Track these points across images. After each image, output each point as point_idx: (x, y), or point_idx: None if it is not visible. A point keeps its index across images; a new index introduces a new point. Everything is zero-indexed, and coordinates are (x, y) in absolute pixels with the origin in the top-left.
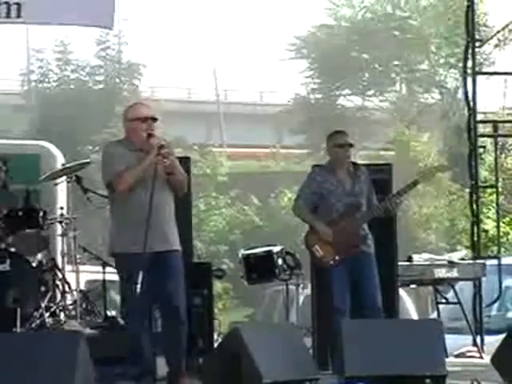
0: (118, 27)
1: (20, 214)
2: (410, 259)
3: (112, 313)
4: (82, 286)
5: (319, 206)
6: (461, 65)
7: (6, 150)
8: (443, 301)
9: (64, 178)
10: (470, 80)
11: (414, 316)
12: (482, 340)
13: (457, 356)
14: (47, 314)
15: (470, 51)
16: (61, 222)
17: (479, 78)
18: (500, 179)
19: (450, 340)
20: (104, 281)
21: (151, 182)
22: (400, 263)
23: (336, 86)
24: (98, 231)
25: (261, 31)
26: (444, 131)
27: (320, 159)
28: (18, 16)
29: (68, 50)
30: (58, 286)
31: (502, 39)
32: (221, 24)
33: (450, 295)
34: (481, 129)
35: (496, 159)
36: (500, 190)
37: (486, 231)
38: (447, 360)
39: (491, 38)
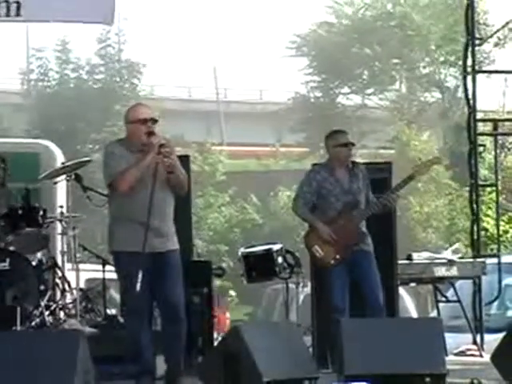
0: (118, 26)
1: (20, 212)
2: (409, 258)
3: (112, 311)
4: (82, 285)
5: (318, 205)
6: (461, 63)
7: (6, 149)
8: (443, 299)
9: (64, 176)
10: (469, 78)
11: (414, 314)
12: (482, 338)
13: (457, 354)
14: (47, 313)
15: (469, 50)
16: (60, 221)
17: (479, 76)
18: (500, 178)
19: (450, 338)
20: (104, 279)
21: (152, 181)
22: (400, 262)
23: (336, 84)
24: (98, 230)
25: (261, 30)
26: (444, 130)
27: (320, 157)
28: (18, 14)
29: (68, 49)
30: (57, 284)
31: (502, 38)
32: (221, 23)
33: (450, 293)
34: (481, 127)
35: (496, 158)
36: (500, 188)
37: (486, 230)
38: (447, 358)
39: (491, 36)
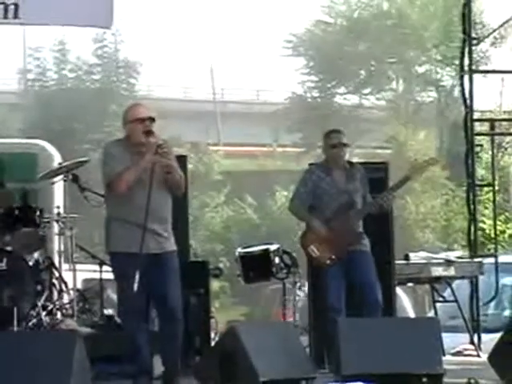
0: (114, 26)
1: (17, 212)
2: (406, 257)
3: (109, 311)
4: (79, 285)
5: (314, 205)
6: (457, 63)
7: (3, 149)
8: (440, 299)
9: (61, 176)
10: (466, 78)
11: (411, 314)
12: (479, 338)
13: (454, 354)
14: (44, 313)
15: (466, 49)
16: (58, 221)
17: (476, 76)
18: (496, 177)
19: (447, 338)
20: (101, 279)
21: (149, 181)
22: (397, 262)
23: (332, 84)
24: (95, 230)
25: (257, 30)
26: (440, 129)
27: (317, 158)
28: (16, 17)
29: (65, 49)
30: (54, 284)
31: (499, 37)
32: (217, 23)
33: (447, 293)
34: (477, 127)
35: (493, 157)
36: (496, 188)
37: (483, 230)
38: (444, 358)
39: (488, 36)
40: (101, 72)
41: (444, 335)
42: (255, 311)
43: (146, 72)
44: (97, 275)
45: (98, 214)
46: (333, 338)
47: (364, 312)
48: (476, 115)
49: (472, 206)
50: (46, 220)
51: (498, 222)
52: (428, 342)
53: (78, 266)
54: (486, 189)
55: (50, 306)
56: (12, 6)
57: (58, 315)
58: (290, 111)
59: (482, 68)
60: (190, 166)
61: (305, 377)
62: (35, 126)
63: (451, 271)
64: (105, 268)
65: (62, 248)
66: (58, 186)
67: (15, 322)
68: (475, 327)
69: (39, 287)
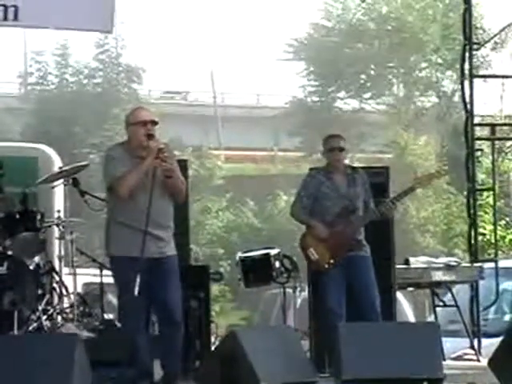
0: (116, 30)
1: (17, 216)
2: (407, 262)
3: (109, 315)
4: (79, 289)
5: (315, 209)
6: (458, 67)
7: (4, 153)
8: (440, 304)
9: (61, 181)
10: (467, 83)
11: (412, 319)
12: (480, 343)
13: (454, 359)
14: (44, 317)
15: (467, 54)
16: (58, 225)
17: (476, 80)
18: (497, 182)
19: (448, 343)
20: (101, 284)
21: (150, 185)
22: (397, 266)
23: (333, 88)
24: (96, 234)
25: (258, 34)
26: (441, 134)
27: (317, 162)
28: (15, 19)
29: (67, 53)
30: (55, 288)
31: (499, 42)
32: (218, 27)
33: (448, 298)
34: (478, 132)
35: (493, 162)
36: (497, 193)
37: (484, 234)
38: (444, 363)
39: (488, 40)
40: (102, 76)
41: (444, 340)
42: (255, 315)
43: (147, 76)
44: (97, 279)
45: (99, 218)
46: (333, 342)
47: (362, 318)
48: (476, 120)
49: (472, 211)
50: (46, 224)
51: (499, 228)
52: (428, 346)
53: (79, 270)
54: (486, 193)
55: (51, 310)
56: (12, 9)
57: (59, 319)
58: (290, 115)
59: (482, 73)
60: (191, 171)
61: (305, 381)
62: (36, 130)
63: (451, 276)
64: (105, 272)
65: (63, 252)
66: (59, 190)
67: (16, 326)
68: (475, 332)
69: (40, 291)
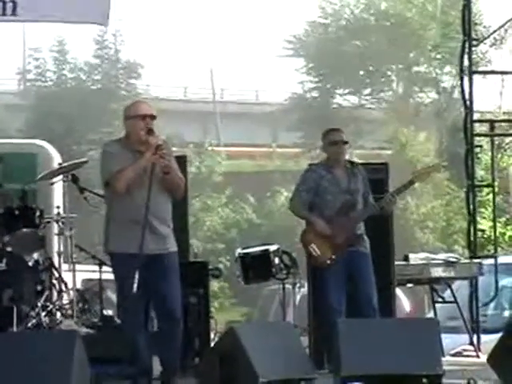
0: (114, 26)
1: (16, 213)
2: (406, 258)
3: (108, 312)
4: (79, 286)
5: (315, 204)
6: (457, 63)
7: (3, 149)
8: (440, 300)
9: (60, 177)
10: (466, 79)
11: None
12: (479, 339)
13: (453, 355)
14: (43, 314)
15: (466, 50)
16: (57, 222)
17: (476, 77)
18: (496, 178)
19: (447, 339)
20: (100, 280)
21: (148, 181)
22: (396, 262)
23: (332, 84)
24: (95, 230)
25: (257, 30)
26: (440, 130)
27: (316, 158)
28: (14, 14)
29: (65, 50)
30: (54, 285)
31: (499, 38)
32: (217, 23)
33: (447, 294)
34: (477, 128)
35: (493, 158)
36: (496, 189)
37: (483, 231)
38: (444, 359)
39: (488, 37)
40: (101, 72)
41: (443, 336)
42: (254, 312)
43: (146, 72)
44: (96, 275)
45: (98, 215)
46: (332, 338)
47: (360, 314)
48: (476, 116)
49: (472, 207)
50: (45, 220)
51: (499, 224)
52: (427, 342)
53: (78, 267)
54: (485, 190)
55: (50, 307)
56: (10, 4)
57: (58, 316)
58: (289, 112)
59: (481, 69)
60: (192, 168)
61: (304, 377)
62: (35, 127)
63: (451, 272)
64: (104, 268)
65: (62, 248)
66: (58, 187)
67: (15, 323)
68: (475, 328)
69: (39, 287)
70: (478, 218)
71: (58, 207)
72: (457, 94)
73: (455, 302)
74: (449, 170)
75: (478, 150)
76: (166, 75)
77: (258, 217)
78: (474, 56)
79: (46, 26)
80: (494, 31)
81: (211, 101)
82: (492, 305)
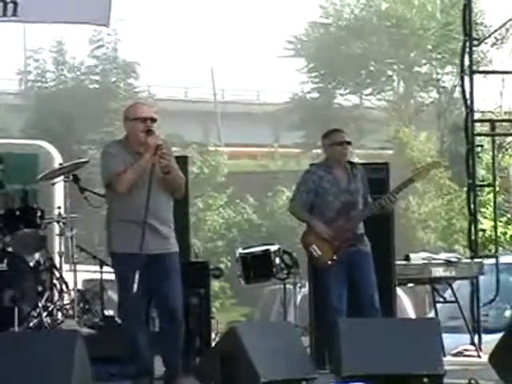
0: (113, 26)
1: (17, 213)
2: (407, 258)
3: (109, 312)
4: (80, 286)
5: (316, 204)
6: (458, 63)
7: (4, 150)
8: (441, 300)
9: (61, 177)
10: (467, 79)
11: (412, 315)
12: (480, 339)
13: (454, 355)
14: (45, 314)
15: (467, 50)
16: (58, 222)
17: (476, 76)
18: (497, 178)
19: (448, 339)
20: (101, 280)
21: (148, 182)
22: (397, 262)
23: (333, 84)
24: (96, 231)
25: (258, 30)
26: (441, 130)
27: (317, 158)
28: (14, 15)
29: (64, 50)
30: (55, 285)
31: (500, 38)
32: (218, 23)
33: (448, 294)
34: (478, 128)
35: (493, 158)
36: (497, 189)
37: (484, 230)
38: (445, 359)
39: (488, 36)
40: (100, 72)
41: (444, 336)
42: (255, 312)
43: (146, 72)
44: (97, 276)
45: (99, 215)
46: (333, 338)
47: (361, 314)
48: (476, 116)
49: (473, 207)
50: (46, 221)
51: (500, 224)
52: (428, 342)
53: (79, 267)
54: (486, 189)
55: (51, 307)
56: (11, 4)
57: (59, 316)
58: (290, 112)
59: (482, 69)
60: (195, 168)
61: (305, 377)
62: (35, 127)
63: (452, 272)
64: (105, 268)
65: (63, 249)
66: (59, 187)
67: (16, 323)
68: (476, 328)
69: (40, 288)
70: (479, 218)
71: (59, 207)
72: (457, 94)
73: (456, 301)
74: (450, 170)
75: (478, 149)
76: (166, 75)
77: (259, 217)
78: (474, 56)
79: (45, 26)
80: (495, 31)
81: (212, 101)
82: (493, 304)
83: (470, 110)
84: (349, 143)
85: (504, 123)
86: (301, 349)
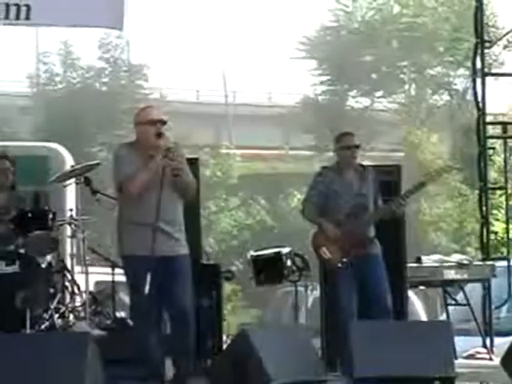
0: (127, 29)
1: (29, 215)
2: (419, 260)
3: (121, 314)
4: (91, 288)
5: (326, 207)
6: (469, 65)
7: (16, 152)
8: (452, 302)
9: (73, 179)
10: (479, 81)
11: (423, 317)
12: (492, 341)
13: (466, 358)
14: (56, 316)
15: (479, 52)
16: (70, 224)
17: (488, 79)
18: (509, 180)
19: (460, 341)
20: (113, 282)
21: (159, 184)
22: (409, 264)
23: (345, 87)
24: (107, 233)
25: (269, 33)
26: (453, 132)
27: (329, 160)
28: (27, 18)
29: (73, 53)
30: (67, 287)
31: (511, 40)
32: (229, 25)
33: (460, 297)
34: (490, 130)
35: (505, 160)
36: (509, 191)
37: (496, 233)
38: (456, 362)
39: (500, 38)
40: (110, 75)
41: (456, 338)
42: (267, 314)
43: (158, 74)
44: (109, 278)
45: (110, 217)
46: (345, 340)
47: (373, 318)
48: (488, 118)
49: (484, 209)
50: (58, 223)
51: (511, 226)
52: (440, 345)
53: (91, 269)
54: (498, 192)
55: (63, 309)
56: (24, 8)
57: (71, 318)
58: (301, 114)
59: (494, 71)
60: (207, 171)
61: (316, 380)
62: (46, 129)
63: (463, 274)
64: (117, 270)
65: (75, 251)
66: (71, 189)
67: (28, 325)
68: (488, 330)
69: (52, 290)
70: (491, 220)
71: (70, 210)
72: (469, 96)
73: (468, 304)
74: (462, 172)
75: (490, 152)
76: (178, 78)
77: (271, 219)
78: (486, 58)
79: (56, 28)
80: (507, 33)
81: (223, 103)
82: (505, 307)
83: (481, 112)
84: (358, 147)
85: None
86: (312, 351)
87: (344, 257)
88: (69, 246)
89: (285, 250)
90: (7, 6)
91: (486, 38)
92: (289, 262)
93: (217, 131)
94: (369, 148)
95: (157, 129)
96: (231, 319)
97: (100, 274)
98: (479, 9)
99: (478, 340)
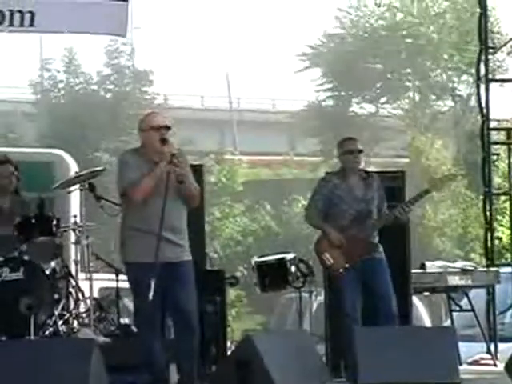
0: (129, 35)
1: (33, 221)
2: (423, 266)
3: (125, 320)
4: (96, 294)
5: (330, 213)
6: (473, 71)
7: (20, 158)
8: (457, 308)
9: (77, 185)
10: (483, 87)
11: (428, 323)
12: (496, 347)
13: (470, 363)
14: (60, 322)
15: (483, 58)
16: (74, 230)
17: (492, 85)
18: None
19: (464, 347)
20: (117, 288)
21: (164, 190)
22: (413, 270)
23: (349, 93)
24: (112, 239)
25: (274, 39)
26: (457, 138)
27: (333, 166)
28: (31, 25)
29: (78, 59)
30: (71, 293)
31: None
32: (234, 32)
33: (464, 302)
34: (494, 136)
35: (509, 166)
36: None
37: (500, 238)
38: (461, 367)
39: (504, 45)
40: (115, 81)
41: (460, 344)
42: (271, 320)
43: (162, 81)
44: (113, 284)
45: (115, 223)
46: (349, 346)
47: (378, 322)
48: (492, 124)
49: (488, 215)
50: (62, 229)
51: None
52: (444, 351)
53: (95, 275)
54: (503, 197)
55: (67, 315)
56: (28, 14)
57: (75, 324)
58: (306, 120)
59: (498, 77)
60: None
61: None
62: (51, 136)
63: (468, 280)
64: (121, 277)
65: (79, 257)
66: (75, 195)
67: (32, 331)
68: (492, 336)
69: (56, 296)
70: (495, 226)
71: (74, 216)
72: (473, 102)
73: (472, 310)
74: (466, 178)
75: (494, 157)
76: (183, 84)
77: (276, 225)
78: (490, 64)
79: (60, 35)
80: (511, 39)
81: (228, 109)
82: (509, 313)
83: (485, 118)
84: (360, 151)
85: None
86: (316, 357)
87: (347, 262)
88: (73, 252)
89: (289, 256)
90: (11, 13)
91: (490, 44)
92: (293, 268)
93: (221, 137)
94: (373, 154)
95: (161, 135)
96: (235, 325)
97: (104, 281)
98: (483, 15)
99: (483, 346)
